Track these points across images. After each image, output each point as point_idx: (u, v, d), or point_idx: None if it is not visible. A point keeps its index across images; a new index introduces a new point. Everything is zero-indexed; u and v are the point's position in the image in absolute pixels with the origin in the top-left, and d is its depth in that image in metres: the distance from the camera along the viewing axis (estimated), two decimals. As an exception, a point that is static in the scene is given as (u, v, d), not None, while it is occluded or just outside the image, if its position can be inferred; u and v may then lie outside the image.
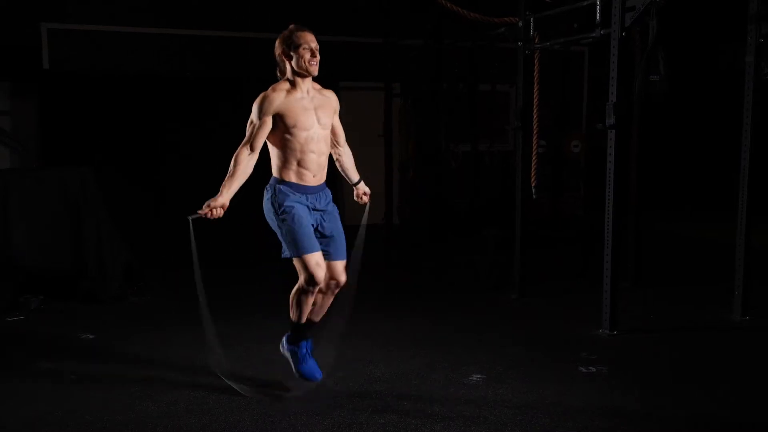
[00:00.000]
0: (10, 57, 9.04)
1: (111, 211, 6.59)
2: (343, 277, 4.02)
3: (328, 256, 3.93)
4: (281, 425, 3.64)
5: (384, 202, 9.02)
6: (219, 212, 3.70)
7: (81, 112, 9.20)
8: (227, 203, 3.73)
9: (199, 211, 3.67)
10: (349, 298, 4.22)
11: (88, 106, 9.24)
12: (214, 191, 3.75)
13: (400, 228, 9.48)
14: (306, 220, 3.82)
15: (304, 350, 4.07)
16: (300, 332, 4.06)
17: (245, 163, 3.74)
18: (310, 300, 3.94)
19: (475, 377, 4.31)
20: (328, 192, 4.00)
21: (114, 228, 6.53)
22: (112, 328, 5.48)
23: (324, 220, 3.94)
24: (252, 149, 3.76)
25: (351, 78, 10.36)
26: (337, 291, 4.07)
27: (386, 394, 4.04)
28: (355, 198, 4.35)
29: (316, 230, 3.90)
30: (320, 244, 3.89)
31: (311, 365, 4.08)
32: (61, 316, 5.86)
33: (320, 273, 3.81)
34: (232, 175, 3.72)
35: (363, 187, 4.33)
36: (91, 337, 5.24)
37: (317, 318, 4.15)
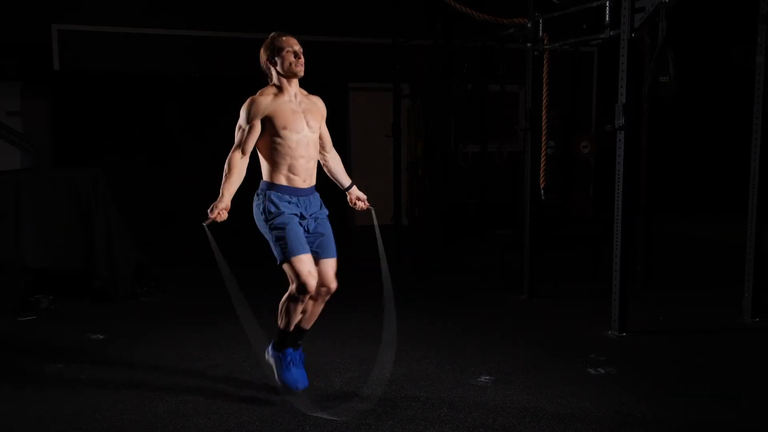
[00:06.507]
0: (22, 57, 9.12)
1: (121, 211, 6.63)
2: (333, 284, 3.94)
3: (316, 256, 3.87)
4: (290, 426, 3.65)
5: (393, 203, 9.03)
6: (224, 215, 3.74)
7: (92, 113, 9.27)
8: (229, 204, 3.77)
9: (210, 215, 3.71)
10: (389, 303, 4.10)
11: (99, 106, 9.31)
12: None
13: (408, 229, 9.47)
14: (295, 223, 3.80)
15: (289, 358, 4.00)
16: (286, 339, 4.00)
17: (239, 165, 3.78)
18: (300, 308, 3.90)
19: (484, 378, 4.31)
20: (317, 196, 3.97)
21: (124, 227, 6.56)
22: (122, 327, 5.51)
23: (316, 225, 3.91)
24: (243, 153, 3.79)
25: (360, 79, 10.38)
26: (327, 297, 3.99)
27: (395, 396, 4.04)
28: (350, 204, 4.26)
29: (306, 231, 3.87)
30: (309, 244, 3.85)
31: (295, 373, 3.99)
32: (72, 316, 5.89)
33: (312, 282, 3.77)
34: (229, 177, 3.76)
35: (356, 192, 4.24)
36: (101, 337, 5.26)
37: (307, 326, 4.08)
